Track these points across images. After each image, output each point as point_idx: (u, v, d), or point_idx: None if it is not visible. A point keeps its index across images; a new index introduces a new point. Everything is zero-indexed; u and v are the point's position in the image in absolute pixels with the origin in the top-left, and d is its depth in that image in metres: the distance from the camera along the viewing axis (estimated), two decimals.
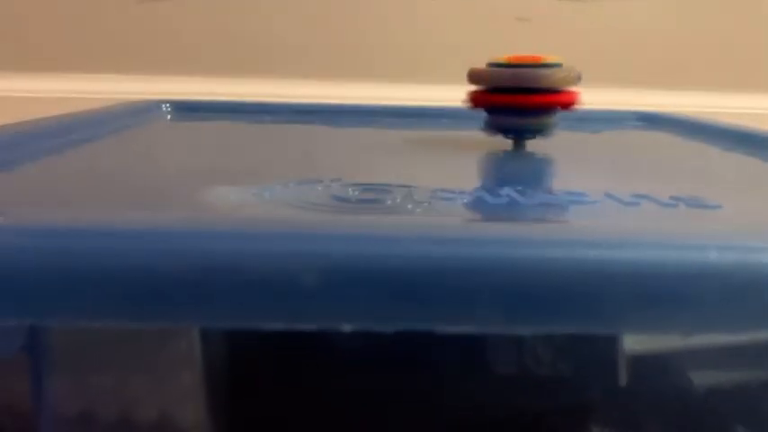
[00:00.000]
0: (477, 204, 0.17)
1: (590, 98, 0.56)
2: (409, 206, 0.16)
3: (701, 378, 0.23)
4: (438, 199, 0.17)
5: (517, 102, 0.25)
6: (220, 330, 0.21)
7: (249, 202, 0.17)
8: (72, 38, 0.57)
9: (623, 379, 0.22)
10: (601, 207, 0.17)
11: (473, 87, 0.26)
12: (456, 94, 0.27)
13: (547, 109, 0.26)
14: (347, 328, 0.12)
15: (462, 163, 0.26)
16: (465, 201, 0.17)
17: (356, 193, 0.18)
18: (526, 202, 0.17)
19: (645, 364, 0.22)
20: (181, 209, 0.17)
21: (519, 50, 0.26)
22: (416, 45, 0.56)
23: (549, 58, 0.26)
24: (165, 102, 0.39)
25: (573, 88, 0.26)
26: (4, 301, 0.12)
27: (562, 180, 0.24)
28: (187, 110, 0.39)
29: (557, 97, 0.25)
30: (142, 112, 0.36)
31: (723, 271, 0.12)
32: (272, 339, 0.19)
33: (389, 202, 0.17)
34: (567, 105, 0.26)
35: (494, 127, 0.27)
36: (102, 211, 0.15)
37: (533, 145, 0.27)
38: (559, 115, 0.26)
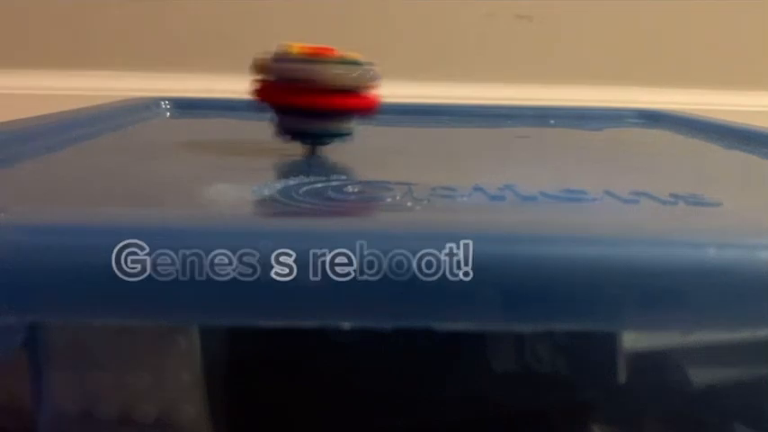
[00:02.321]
0: (476, 202, 0.17)
1: (591, 96, 0.56)
2: (409, 203, 0.16)
3: (700, 375, 0.23)
4: (437, 196, 0.17)
5: (308, 103, 0.22)
6: (220, 328, 0.21)
7: (248, 198, 0.17)
8: (71, 35, 0.57)
9: (623, 376, 0.22)
10: (601, 204, 0.17)
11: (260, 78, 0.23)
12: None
13: (342, 112, 0.23)
14: (347, 325, 0.12)
15: (467, 159, 0.26)
16: (464, 198, 0.17)
17: (355, 190, 0.18)
18: (525, 200, 0.17)
19: (644, 362, 0.22)
20: (180, 206, 0.17)
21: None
22: (416, 45, 0.56)
23: (349, 53, 0.22)
24: (165, 99, 0.39)
25: (372, 88, 0.23)
26: (3, 298, 0.12)
27: (563, 178, 0.24)
28: (186, 107, 0.39)
29: (350, 100, 0.22)
30: (141, 109, 0.36)
31: (722, 268, 0.12)
32: (272, 337, 0.19)
33: (389, 199, 0.17)
34: (364, 109, 0.23)
35: (285, 129, 0.23)
36: (101, 208, 0.15)
37: (530, 142, 0.27)
38: (356, 120, 0.23)
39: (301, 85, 0.22)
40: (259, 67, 0.23)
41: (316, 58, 0.22)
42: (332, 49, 0.22)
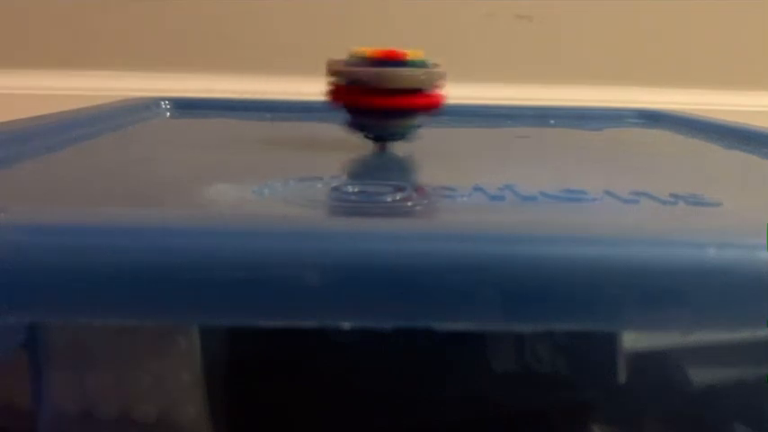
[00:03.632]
0: (476, 202, 0.17)
1: (591, 96, 0.56)
2: (409, 203, 0.16)
3: (700, 375, 0.23)
4: (438, 196, 0.17)
5: (377, 104, 0.23)
6: (220, 328, 0.21)
7: (249, 199, 0.17)
8: (71, 35, 0.57)
9: (623, 376, 0.22)
10: (600, 204, 0.17)
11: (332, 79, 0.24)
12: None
13: (408, 112, 0.24)
14: (347, 325, 0.12)
15: (468, 159, 0.26)
16: (465, 198, 0.17)
17: (355, 190, 0.18)
18: (525, 200, 0.17)
19: (644, 362, 0.22)
20: (180, 206, 0.17)
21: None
22: (416, 44, 0.56)
23: (413, 54, 0.23)
24: (165, 99, 0.39)
25: (438, 88, 0.24)
26: (3, 298, 0.12)
27: (563, 178, 0.24)
28: (186, 107, 0.39)
29: (417, 100, 0.24)
30: (141, 109, 0.36)
31: (722, 268, 0.12)
32: (272, 337, 0.19)
33: (389, 199, 0.17)
34: (430, 107, 0.24)
35: (354, 126, 0.25)
36: (101, 208, 0.15)
37: (530, 142, 0.27)
38: (422, 117, 0.25)
39: (373, 87, 0.23)
40: (333, 71, 0.24)
41: (387, 60, 0.23)
42: (402, 53, 0.23)
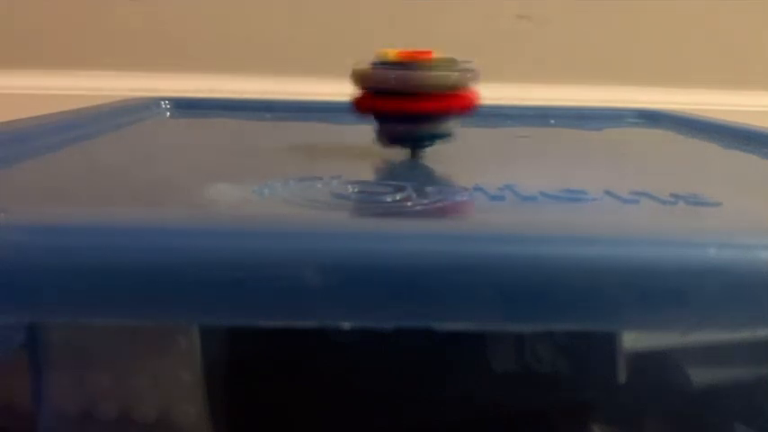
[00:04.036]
0: (476, 202, 0.17)
1: (591, 96, 0.56)
2: (409, 203, 0.16)
3: (701, 375, 0.23)
4: (437, 196, 0.17)
5: (409, 108, 0.22)
6: (220, 328, 0.21)
7: (249, 199, 0.17)
8: (71, 35, 0.57)
9: (623, 376, 0.22)
10: (600, 204, 0.17)
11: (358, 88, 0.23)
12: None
13: (440, 113, 0.22)
14: (347, 325, 0.12)
15: (464, 159, 0.26)
16: (464, 198, 0.17)
17: (355, 190, 0.18)
18: (525, 200, 0.17)
19: (644, 362, 0.22)
20: (180, 206, 0.17)
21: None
22: (416, 44, 0.56)
23: (439, 54, 0.22)
24: (164, 99, 0.39)
25: (471, 86, 0.23)
26: (3, 298, 0.12)
27: (563, 178, 0.24)
28: (186, 107, 0.39)
29: (451, 101, 0.22)
30: (141, 109, 0.36)
31: (722, 268, 0.12)
32: (272, 337, 0.19)
33: (389, 199, 0.17)
34: (463, 109, 0.22)
35: (386, 136, 0.23)
36: (101, 208, 0.15)
37: (530, 142, 0.27)
38: (458, 119, 0.23)
39: (402, 91, 0.22)
40: (358, 77, 0.23)
41: (415, 62, 0.22)
42: (429, 52, 0.22)
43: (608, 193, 0.18)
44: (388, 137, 0.24)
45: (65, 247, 0.12)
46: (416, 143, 0.23)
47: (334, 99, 0.40)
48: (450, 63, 0.22)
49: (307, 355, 0.21)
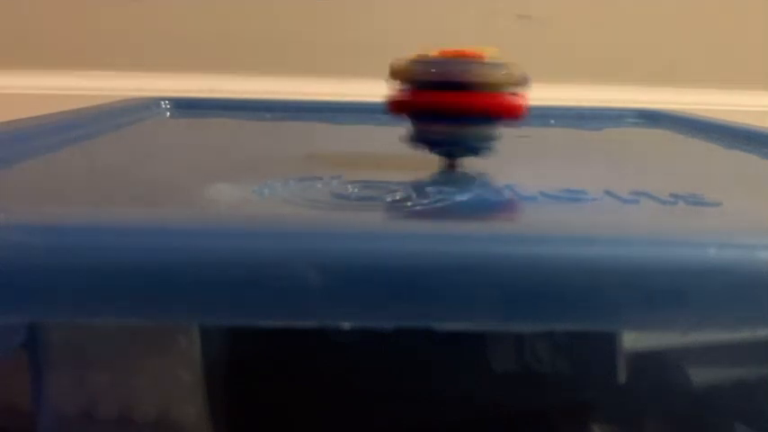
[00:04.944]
0: (477, 202, 0.17)
1: (591, 96, 0.56)
2: (409, 203, 0.16)
3: (701, 375, 0.23)
4: (438, 196, 0.17)
5: (448, 102, 0.19)
6: (220, 328, 0.21)
7: (249, 199, 0.17)
8: (71, 35, 0.57)
9: (623, 376, 0.22)
10: (600, 204, 0.17)
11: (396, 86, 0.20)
12: None
13: (486, 115, 0.20)
14: (347, 325, 0.12)
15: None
16: (465, 198, 0.17)
17: (355, 190, 0.18)
18: (526, 200, 0.17)
19: (644, 362, 0.22)
20: (180, 206, 0.17)
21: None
22: (416, 44, 0.56)
23: (488, 54, 0.20)
24: (164, 99, 0.39)
25: (519, 91, 0.20)
26: (3, 298, 0.12)
27: (563, 178, 0.24)
28: (186, 107, 0.39)
29: (505, 101, 0.20)
30: (141, 109, 0.36)
31: (722, 268, 0.12)
32: (272, 337, 0.19)
33: (389, 199, 0.17)
34: (511, 112, 0.20)
35: (418, 138, 0.21)
36: (101, 208, 0.15)
37: (530, 142, 0.27)
38: (502, 129, 0.21)
39: (446, 87, 0.19)
40: (397, 74, 0.20)
41: (464, 59, 0.19)
42: (479, 52, 0.20)
43: (608, 193, 0.18)
44: (425, 139, 0.21)
45: (65, 247, 0.11)
46: (457, 148, 0.21)
47: (334, 99, 0.40)
48: (504, 64, 0.20)
49: (307, 355, 0.21)
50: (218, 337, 0.21)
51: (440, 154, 0.21)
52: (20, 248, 0.11)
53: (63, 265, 0.11)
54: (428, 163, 0.25)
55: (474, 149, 0.21)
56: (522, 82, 0.20)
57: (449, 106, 0.19)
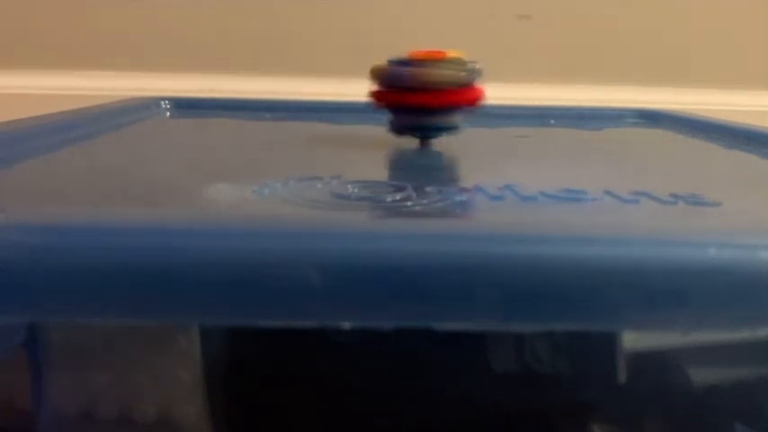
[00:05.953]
0: (476, 202, 0.17)
1: (591, 96, 0.56)
2: (409, 203, 0.16)
3: (701, 375, 0.23)
4: (437, 196, 0.17)
5: (418, 102, 0.25)
6: (220, 328, 0.21)
7: (249, 199, 0.17)
8: (71, 35, 0.57)
9: (623, 376, 0.22)
10: (600, 204, 0.17)
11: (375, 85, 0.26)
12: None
13: (449, 108, 0.26)
14: (346, 325, 0.12)
15: (461, 160, 0.26)
16: (464, 198, 0.17)
17: (355, 190, 0.18)
18: (525, 200, 0.17)
19: (644, 362, 0.22)
20: (180, 206, 0.17)
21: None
22: (416, 44, 0.56)
23: (450, 53, 0.25)
24: (164, 99, 0.39)
25: (476, 84, 0.26)
26: (3, 298, 0.12)
27: (563, 178, 0.24)
28: (186, 107, 0.39)
29: (459, 96, 0.25)
30: (141, 109, 0.36)
31: (722, 268, 0.12)
32: (272, 337, 0.19)
33: (389, 199, 0.17)
34: (470, 103, 0.26)
35: (398, 126, 0.27)
36: (101, 208, 0.15)
37: (530, 142, 0.27)
38: (464, 113, 0.26)
39: (415, 87, 0.25)
40: (376, 74, 0.26)
41: (427, 61, 0.25)
42: (441, 52, 0.25)
43: (608, 193, 0.18)
44: (401, 128, 0.27)
45: (65, 247, 0.11)
46: (426, 133, 0.26)
47: (334, 99, 0.40)
48: (458, 62, 0.25)
49: (307, 355, 0.21)
50: (218, 337, 0.21)
51: (414, 137, 0.27)
52: (20, 248, 0.11)
53: (63, 265, 0.11)
54: (428, 163, 0.25)
55: (439, 132, 0.26)
56: (474, 77, 0.25)
57: (413, 103, 0.25)
